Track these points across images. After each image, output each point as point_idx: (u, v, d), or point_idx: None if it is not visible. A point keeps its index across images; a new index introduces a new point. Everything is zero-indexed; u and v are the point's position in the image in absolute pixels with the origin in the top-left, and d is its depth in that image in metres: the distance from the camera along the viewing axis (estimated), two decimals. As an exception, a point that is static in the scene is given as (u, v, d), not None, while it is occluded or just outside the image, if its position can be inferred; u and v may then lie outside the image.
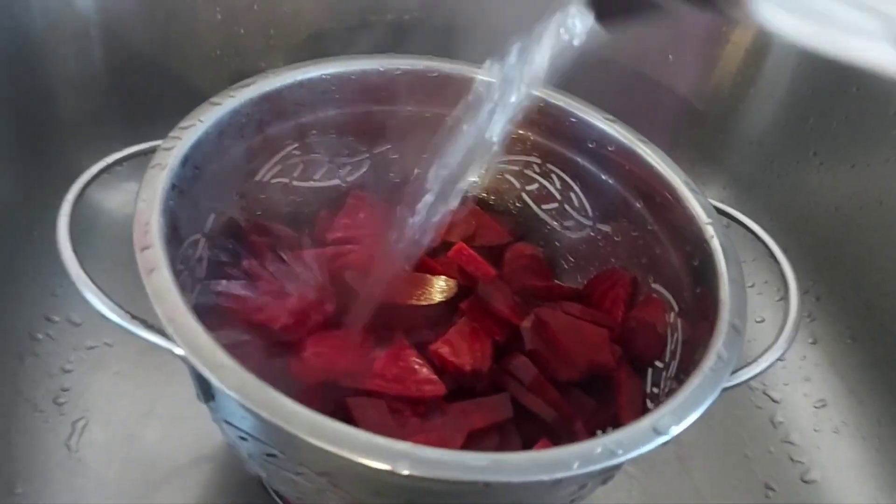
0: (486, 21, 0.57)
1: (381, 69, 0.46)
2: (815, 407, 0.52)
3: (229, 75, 0.50)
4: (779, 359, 0.36)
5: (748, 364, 0.36)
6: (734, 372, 0.35)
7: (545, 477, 0.27)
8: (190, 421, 0.44)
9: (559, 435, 0.38)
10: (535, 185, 0.50)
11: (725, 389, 0.34)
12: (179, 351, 0.29)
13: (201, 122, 0.38)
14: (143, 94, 0.53)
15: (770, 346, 0.37)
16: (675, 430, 0.30)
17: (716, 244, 0.39)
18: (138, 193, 0.34)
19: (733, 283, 0.37)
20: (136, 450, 0.43)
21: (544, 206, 0.50)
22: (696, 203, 0.41)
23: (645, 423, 0.30)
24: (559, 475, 0.27)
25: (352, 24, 0.56)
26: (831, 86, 0.54)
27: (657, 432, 0.30)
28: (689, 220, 0.41)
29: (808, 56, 0.55)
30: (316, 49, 0.56)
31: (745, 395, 0.53)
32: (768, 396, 0.53)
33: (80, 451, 0.42)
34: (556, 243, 0.50)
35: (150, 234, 0.32)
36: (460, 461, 0.27)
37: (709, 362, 0.33)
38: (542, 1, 0.56)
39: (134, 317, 0.31)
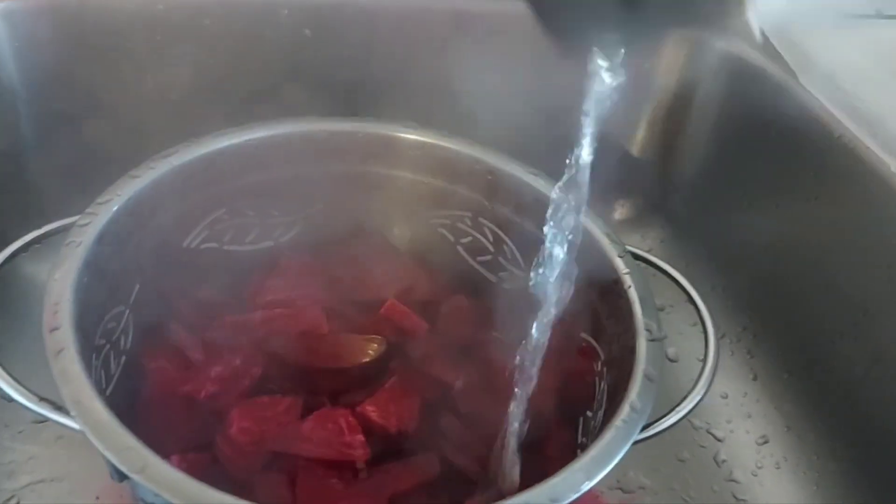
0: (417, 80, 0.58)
1: (307, 131, 0.47)
2: (758, 443, 0.53)
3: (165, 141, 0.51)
4: (695, 406, 0.36)
5: (669, 411, 0.36)
6: (655, 421, 0.36)
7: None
8: (125, 500, 0.43)
9: (488, 494, 0.38)
10: (469, 238, 0.50)
11: (642, 440, 0.34)
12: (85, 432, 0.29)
13: (119, 196, 0.39)
14: (72, 159, 0.54)
15: (686, 395, 0.37)
16: (587, 486, 0.31)
17: (633, 294, 0.40)
18: (50, 273, 0.34)
19: (648, 332, 0.37)
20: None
21: (479, 258, 0.51)
22: (615, 254, 0.42)
23: (556, 480, 0.30)
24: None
25: (284, 86, 0.57)
26: (753, 130, 0.55)
27: (567, 491, 0.30)
28: (609, 271, 0.42)
29: (730, 102, 0.57)
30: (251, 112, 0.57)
31: (688, 434, 0.53)
32: (712, 435, 0.53)
33: (10, 533, 0.42)
34: (493, 294, 0.51)
35: (60, 315, 0.32)
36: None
37: (622, 414, 0.33)
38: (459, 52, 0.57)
39: (42, 399, 0.31)
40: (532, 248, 0.47)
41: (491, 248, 0.50)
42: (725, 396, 0.55)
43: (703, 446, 0.53)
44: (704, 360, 0.38)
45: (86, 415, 0.29)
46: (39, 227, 0.39)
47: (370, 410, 0.39)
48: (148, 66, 0.54)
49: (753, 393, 0.55)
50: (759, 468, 0.51)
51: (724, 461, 0.52)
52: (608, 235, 0.43)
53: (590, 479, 0.31)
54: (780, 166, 0.54)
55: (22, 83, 0.52)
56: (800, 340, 0.53)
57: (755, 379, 0.55)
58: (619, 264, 0.41)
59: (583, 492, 0.30)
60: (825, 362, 0.51)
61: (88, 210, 0.38)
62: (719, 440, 0.53)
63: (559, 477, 0.31)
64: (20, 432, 0.46)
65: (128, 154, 0.42)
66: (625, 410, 0.34)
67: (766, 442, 0.53)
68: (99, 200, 0.38)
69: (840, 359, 0.50)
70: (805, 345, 0.53)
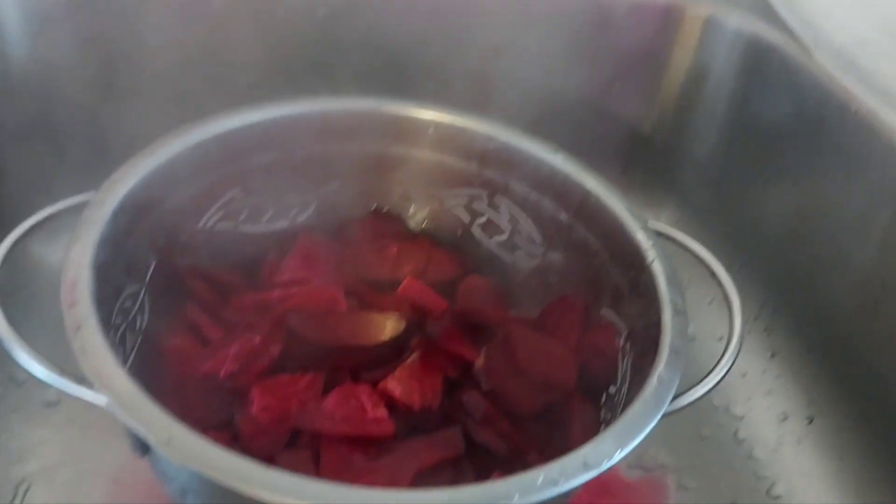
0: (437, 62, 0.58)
1: (323, 110, 0.47)
2: (778, 420, 0.52)
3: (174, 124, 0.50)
4: (722, 378, 0.36)
5: (694, 385, 0.36)
6: (681, 394, 0.35)
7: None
8: (139, 482, 0.43)
9: (513, 468, 0.38)
10: (484, 218, 0.50)
11: (671, 413, 0.34)
12: (107, 405, 0.28)
13: (134, 172, 0.38)
14: (83, 143, 0.53)
15: (715, 366, 0.37)
16: (618, 456, 0.30)
17: (656, 267, 0.39)
18: (67, 249, 0.33)
19: (673, 305, 0.37)
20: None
21: (494, 239, 0.50)
22: (637, 228, 0.42)
23: (586, 450, 0.30)
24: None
25: (296, 68, 0.57)
26: (768, 107, 0.55)
27: (599, 459, 0.30)
28: (631, 245, 0.41)
29: (745, 79, 0.57)
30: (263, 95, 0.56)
31: (707, 413, 0.53)
32: (731, 413, 0.53)
33: (24, 516, 0.41)
34: (508, 275, 0.50)
35: (78, 290, 0.32)
36: (396, 502, 0.26)
37: (650, 386, 0.33)
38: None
39: (64, 372, 0.30)
40: (549, 226, 0.47)
41: (508, 227, 0.49)
42: (744, 374, 0.55)
43: (722, 424, 0.52)
44: (730, 331, 0.38)
45: (110, 386, 0.28)
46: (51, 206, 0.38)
47: (393, 386, 0.39)
48: (157, 46, 0.53)
49: (773, 370, 0.54)
50: (780, 445, 0.51)
51: (743, 439, 0.51)
52: (629, 210, 0.43)
53: (621, 448, 0.30)
54: (797, 143, 0.53)
55: (31, 63, 0.51)
56: (818, 316, 0.53)
57: (773, 356, 0.55)
58: (642, 239, 0.41)
59: (615, 461, 0.30)
60: (845, 338, 0.51)
61: (103, 186, 0.37)
62: (739, 418, 0.53)
63: (590, 445, 0.30)
64: (30, 415, 0.46)
65: (137, 134, 0.42)
66: (653, 383, 0.33)
67: (786, 419, 0.52)
68: (114, 177, 0.38)
69: (860, 334, 0.49)
70: (824, 321, 0.52)
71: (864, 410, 0.49)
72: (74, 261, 0.33)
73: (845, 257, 0.50)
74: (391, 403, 0.38)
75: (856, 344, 0.50)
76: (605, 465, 0.30)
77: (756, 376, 0.55)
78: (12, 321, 0.32)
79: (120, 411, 0.28)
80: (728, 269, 0.59)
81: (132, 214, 0.38)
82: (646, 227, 0.42)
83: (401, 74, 0.57)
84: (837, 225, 0.51)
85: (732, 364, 0.36)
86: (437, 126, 0.48)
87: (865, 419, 0.49)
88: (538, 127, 0.48)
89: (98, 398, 0.29)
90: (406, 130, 0.48)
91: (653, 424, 0.31)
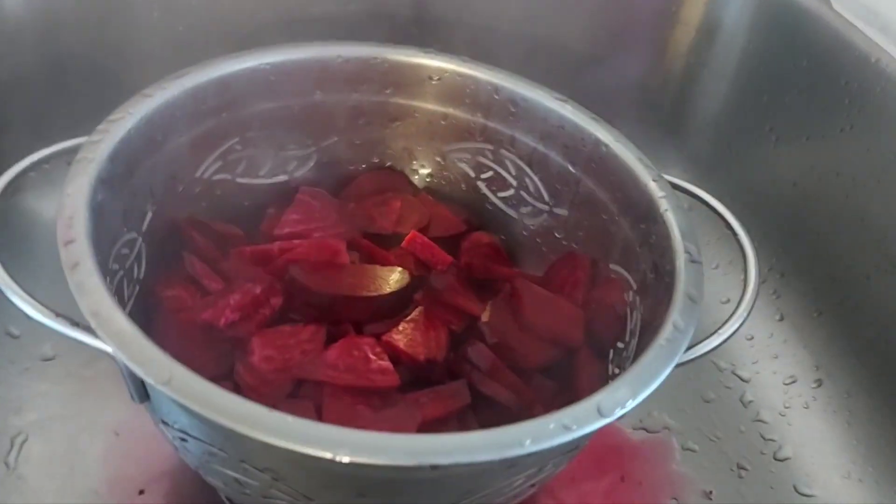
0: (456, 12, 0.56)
1: (323, 57, 0.45)
2: (785, 384, 0.51)
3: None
4: (737, 329, 0.35)
5: (707, 337, 0.35)
6: (694, 345, 0.34)
7: (495, 456, 0.26)
8: (139, 434, 0.42)
9: (520, 421, 0.37)
10: (490, 173, 0.49)
11: (685, 363, 0.33)
12: (105, 347, 0.27)
13: (131, 114, 0.37)
14: (80, 93, 0.51)
15: (729, 317, 0.36)
16: (632, 404, 0.29)
17: (670, 217, 0.38)
18: (63, 187, 0.32)
19: (688, 254, 0.36)
20: (81, 465, 0.41)
21: (500, 194, 0.49)
22: (650, 178, 0.40)
23: (600, 396, 0.29)
24: (511, 454, 0.26)
25: (294, 17, 0.55)
26: (782, 61, 0.53)
27: (613, 406, 0.29)
28: (643, 196, 0.40)
29: (758, 33, 0.55)
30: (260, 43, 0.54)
31: (714, 375, 0.52)
32: (737, 376, 0.52)
33: (20, 469, 0.40)
34: (514, 231, 0.49)
35: (75, 228, 0.31)
36: (403, 445, 0.25)
37: (665, 333, 0.32)
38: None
39: (59, 314, 0.29)
40: (558, 180, 0.46)
41: (513, 182, 0.48)
42: (751, 338, 0.54)
43: (728, 387, 0.52)
44: (745, 281, 0.37)
45: (106, 326, 0.27)
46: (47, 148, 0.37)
47: (397, 339, 0.38)
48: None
49: (780, 334, 0.54)
50: (787, 408, 0.50)
51: (750, 402, 0.51)
52: (641, 160, 0.41)
53: (635, 396, 0.29)
54: (811, 97, 0.52)
55: (29, 18, 0.49)
56: (830, 278, 0.52)
57: (781, 320, 0.54)
58: (655, 189, 0.40)
59: (629, 408, 0.29)
60: (857, 299, 0.50)
61: (100, 127, 0.36)
62: (745, 381, 0.52)
63: (604, 392, 0.29)
64: (27, 369, 0.45)
65: (135, 84, 0.40)
66: (668, 330, 0.32)
67: (793, 382, 0.51)
68: (111, 118, 0.37)
69: (873, 295, 0.48)
70: (835, 283, 0.51)
71: (873, 374, 0.48)
72: (71, 198, 0.32)
73: (861, 214, 0.49)
74: (395, 356, 0.37)
75: (868, 306, 0.49)
76: (619, 413, 0.29)
77: (763, 340, 0.54)
78: (9, 272, 0.30)
79: (118, 351, 0.26)
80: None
81: (128, 157, 0.37)
82: (659, 177, 0.40)
83: (400, 25, 0.55)
84: (853, 182, 0.50)
85: (748, 314, 0.35)
86: (442, 74, 0.46)
87: (875, 383, 0.48)
88: (545, 83, 0.47)
89: (95, 341, 0.27)
90: (409, 79, 0.47)
91: (668, 371, 0.30)
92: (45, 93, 0.51)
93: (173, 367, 0.26)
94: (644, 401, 0.30)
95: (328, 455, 0.25)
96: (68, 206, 0.31)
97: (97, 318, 0.27)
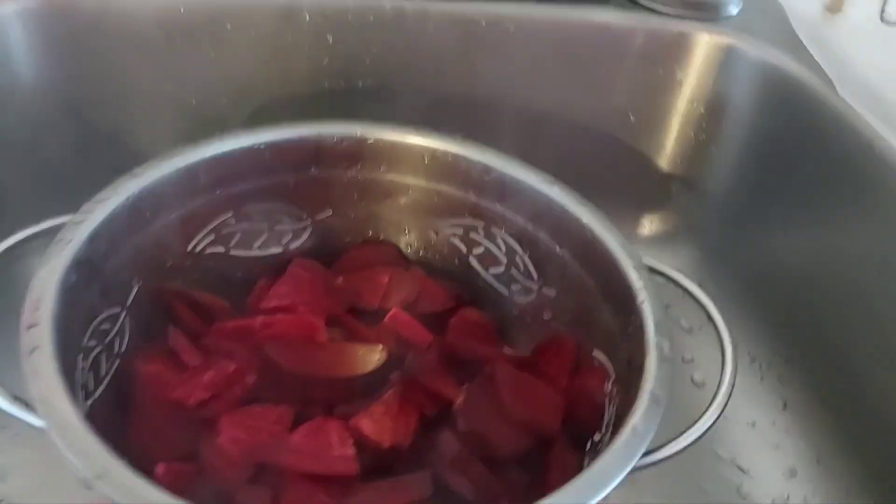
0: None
1: (319, 136, 0.46)
2: (785, 477, 0.49)
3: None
4: (708, 429, 0.34)
5: (674, 438, 0.34)
6: (662, 446, 0.33)
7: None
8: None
9: (483, 513, 0.36)
10: (482, 249, 0.49)
11: (644, 468, 0.32)
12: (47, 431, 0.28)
13: (117, 194, 0.38)
14: (84, 163, 0.53)
15: (701, 416, 0.34)
16: (579, 514, 0.28)
17: (646, 309, 0.37)
18: (36, 270, 0.33)
19: (659, 350, 0.35)
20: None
21: (492, 271, 0.49)
22: (631, 266, 0.40)
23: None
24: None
25: (305, 92, 0.57)
26: (788, 144, 0.52)
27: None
28: (623, 284, 0.39)
29: (765, 114, 0.54)
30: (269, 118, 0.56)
31: (711, 463, 0.50)
32: (737, 466, 0.50)
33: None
34: (505, 308, 0.49)
35: (41, 312, 0.32)
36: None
37: (622, 437, 0.31)
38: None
39: (16, 398, 0.30)
40: (546, 260, 0.46)
41: (504, 260, 0.48)
42: (753, 425, 0.52)
43: (726, 477, 0.50)
44: (720, 380, 0.36)
45: (51, 414, 0.28)
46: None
47: (364, 423, 0.37)
48: (167, 70, 0.54)
49: (783, 422, 0.51)
50: (786, 502, 0.48)
51: (747, 493, 0.49)
52: (624, 246, 0.41)
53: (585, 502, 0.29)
54: (818, 180, 0.50)
55: (37, 85, 0.52)
56: (835, 368, 0.50)
57: (785, 408, 0.52)
58: (634, 277, 0.39)
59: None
60: (861, 392, 0.47)
61: (84, 208, 0.37)
62: (744, 471, 0.50)
63: (549, 500, 0.28)
64: (16, 435, 0.45)
65: (143, 157, 0.42)
66: (626, 433, 0.31)
67: (794, 475, 0.49)
68: (97, 198, 0.38)
69: (878, 389, 0.46)
70: (841, 372, 0.49)
71: (879, 471, 0.46)
72: (40, 282, 0.33)
73: (867, 303, 0.47)
74: (361, 441, 0.37)
75: (874, 399, 0.47)
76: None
77: (766, 428, 0.52)
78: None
79: (58, 440, 0.27)
80: (744, 312, 0.56)
81: (111, 236, 0.38)
82: (640, 264, 0.40)
83: (406, 101, 0.56)
84: (859, 268, 0.48)
85: (717, 419, 0.34)
86: (434, 153, 0.46)
87: (880, 480, 0.46)
88: (551, 160, 0.47)
89: (42, 423, 0.28)
90: (403, 157, 0.47)
91: (617, 481, 0.29)
92: (47, 159, 0.53)
93: (108, 462, 0.27)
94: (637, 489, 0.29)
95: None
96: (37, 289, 0.32)
97: (44, 404, 0.28)
